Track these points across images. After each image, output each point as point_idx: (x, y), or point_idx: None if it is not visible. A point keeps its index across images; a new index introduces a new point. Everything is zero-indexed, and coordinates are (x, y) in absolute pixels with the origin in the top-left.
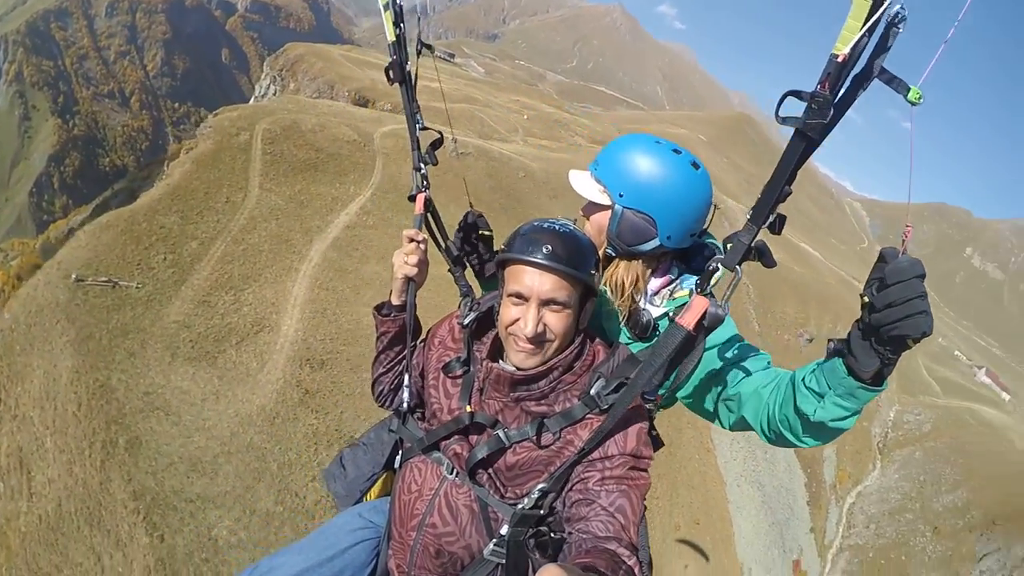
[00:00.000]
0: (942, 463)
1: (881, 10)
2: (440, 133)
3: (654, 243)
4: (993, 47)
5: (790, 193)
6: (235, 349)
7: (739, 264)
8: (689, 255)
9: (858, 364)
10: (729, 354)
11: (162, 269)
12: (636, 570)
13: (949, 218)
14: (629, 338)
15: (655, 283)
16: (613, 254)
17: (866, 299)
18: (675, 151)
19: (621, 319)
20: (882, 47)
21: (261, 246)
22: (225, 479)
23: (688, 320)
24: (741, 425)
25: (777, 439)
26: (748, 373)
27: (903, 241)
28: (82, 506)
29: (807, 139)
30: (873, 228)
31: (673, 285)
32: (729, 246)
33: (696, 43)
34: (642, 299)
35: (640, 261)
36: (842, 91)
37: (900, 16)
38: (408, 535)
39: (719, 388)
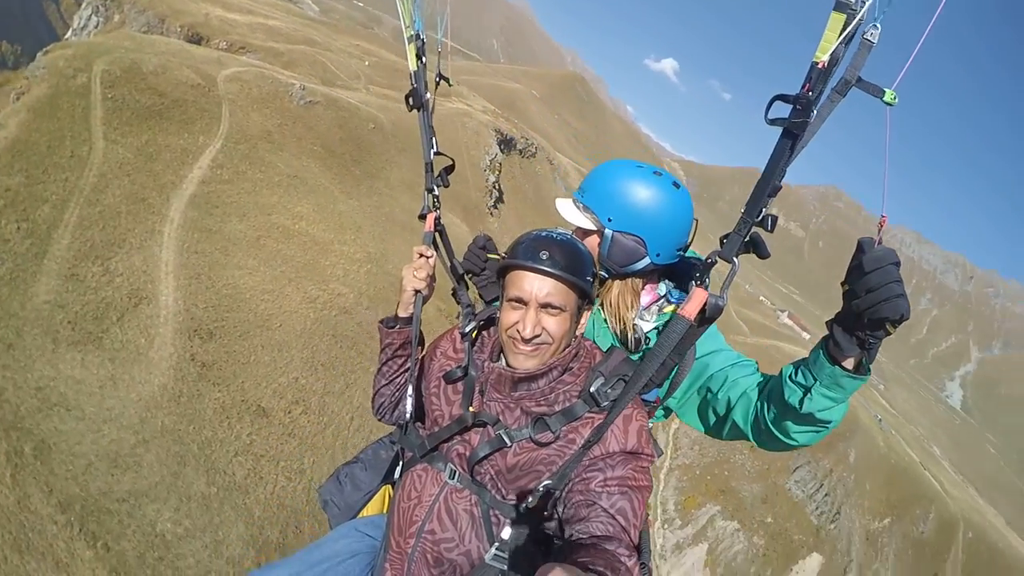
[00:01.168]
0: None
1: (852, 26)
2: (453, 160)
3: (645, 262)
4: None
5: (780, 188)
6: (118, 327)
7: (735, 256)
8: (676, 272)
9: (841, 352)
10: (718, 362)
11: (17, 241)
12: (636, 571)
13: None
14: None
15: (645, 299)
16: (606, 276)
17: (846, 287)
18: (656, 173)
19: (615, 336)
20: (859, 58)
21: (118, 207)
22: (151, 469)
23: (690, 311)
24: (733, 431)
25: (768, 439)
26: (736, 379)
27: (878, 231)
28: (3, 532)
29: (793, 136)
30: (690, 185)
31: (662, 301)
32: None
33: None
34: (635, 315)
35: (632, 280)
36: (824, 95)
37: (874, 31)
38: (406, 543)
39: (710, 396)
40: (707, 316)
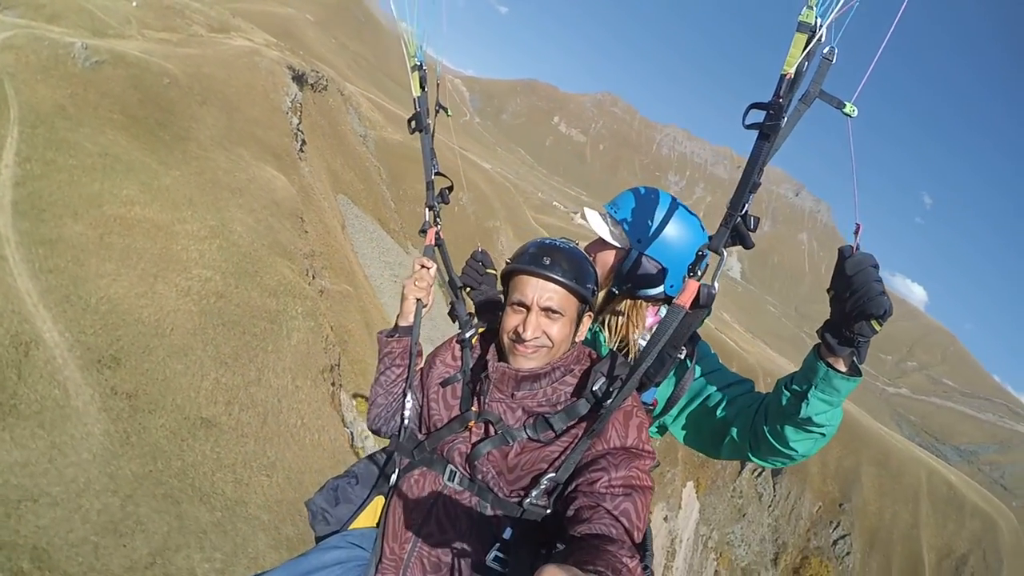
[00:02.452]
0: None
1: (812, 45)
2: (451, 181)
3: (659, 290)
4: None
5: (759, 184)
6: (24, 385)
7: (724, 248)
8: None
9: (833, 354)
10: (715, 381)
11: None
12: (638, 572)
13: (539, 92)
14: None
15: (648, 320)
16: (616, 292)
17: (832, 293)
18: (689, 212)
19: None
20: (821, 74)
21: None
22: (153, 522)
23: (684, 300)
24: (730, 448)
25: (768, 451)
26: (734, 397)
27: (856, 237)
28: None
29: (767, 138)
30: (473, 102)
31: None
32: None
33: None
34: (639, 336)
35: (641, 303)
36: (792, 104)
37: (832, 51)
38: (401, 548)
39: (707, 413)
40: (701, 303)
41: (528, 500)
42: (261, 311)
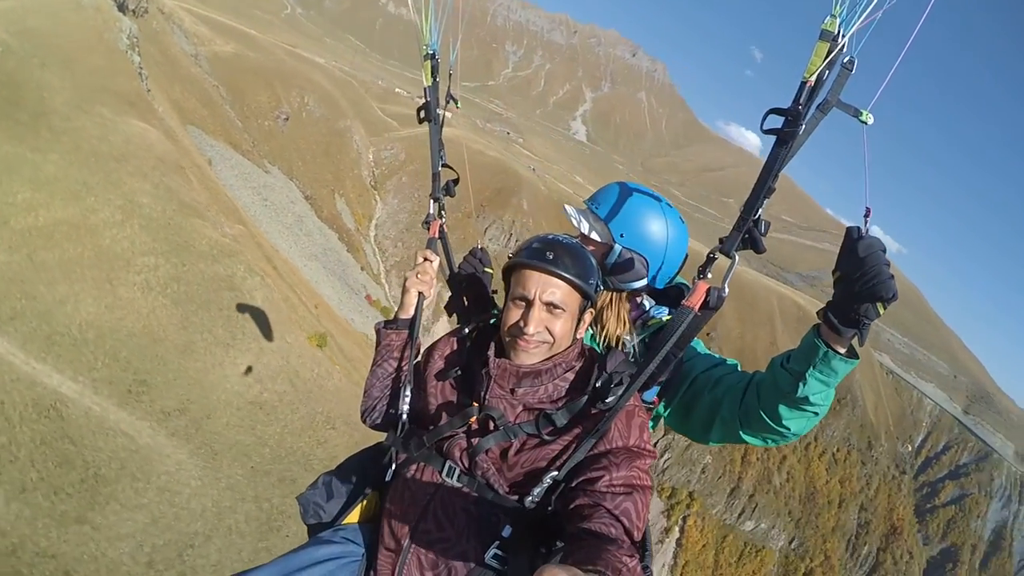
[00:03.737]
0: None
1: (833, 54)
2: (457, 173)
3: (642, 282)
4: None
5: (774, 190)
6: (84, 449)
7: (735, 251)
8: (655, 291)
9: (837, 336)
10: (700, 365)
11: None
12: (637, 572)
13: None
14: None
15: (632, 314)
16: (600, 288)
17: (838, 274)
18: (669, 205)
19: (599, 346)
20: (839, 82)
21: None
22: (294, 506)
23: (694, 301)
24: (721, 430)
25: (760, 428)
26: (720, 377)
27: (865, 221)
28: None
29: (784, 144)
30: None
31: (646, 315)
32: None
33: None
34: (626, 330)
35: (624, 295)
36: (811, 110)
37: (852, 61)
38: (398, 544)
39: (696, 397)
40: (711, 306)
41: (528, 499)
42: (217, 282)
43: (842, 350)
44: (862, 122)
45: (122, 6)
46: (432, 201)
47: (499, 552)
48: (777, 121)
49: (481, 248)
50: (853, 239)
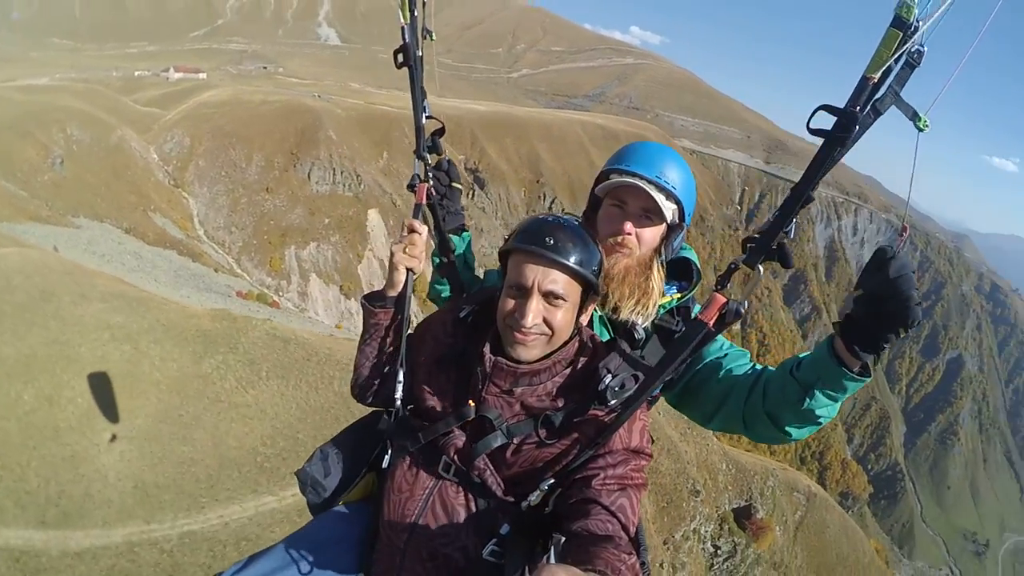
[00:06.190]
0: None
1: (908, 43)
2: (442, 123)
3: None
4: None
5: (812, 200)
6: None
7: (759, 264)
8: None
9: (855, 357)
10: (711, 352)
11: None
12: (635, 569)
13: None
14: None
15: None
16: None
17: (860, 292)
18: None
19: (607, 329)
20: (901, 79)
21: None
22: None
23: (708, 316)
24: (723, 421)
25: (763, 428)
26: (729, 368)
27: (901, 239)
28: None
29: (833, 148)
30: None
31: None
32: (750, 245)
33: None
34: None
35: (662, 273)
36: (865, 110)
37: (919, 53)
38: (398, 538)
39: (703, 385)
40: (726, 321)
41: (525, 503)
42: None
43: (855, 369)
44: (919, 128)
45: None
46: (417, 160)
47: (496, 548)
48: (826, 120)
49: (448, 160)
50: (885, 258)
